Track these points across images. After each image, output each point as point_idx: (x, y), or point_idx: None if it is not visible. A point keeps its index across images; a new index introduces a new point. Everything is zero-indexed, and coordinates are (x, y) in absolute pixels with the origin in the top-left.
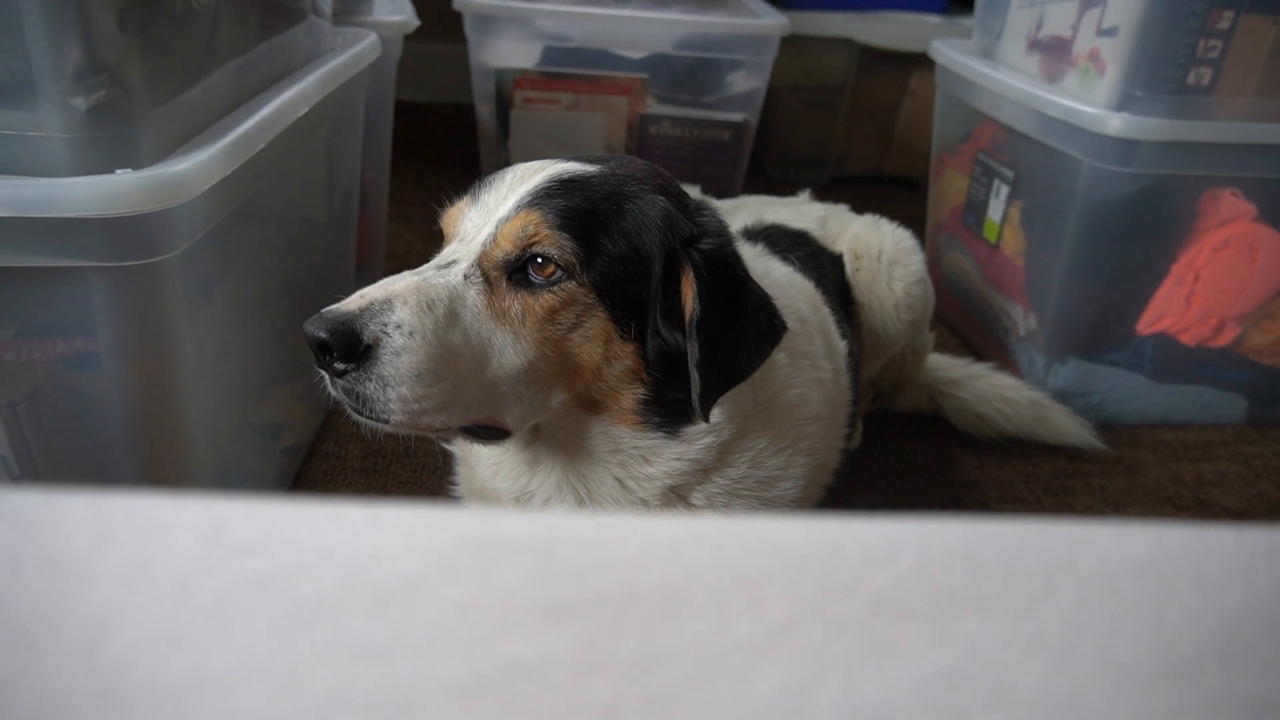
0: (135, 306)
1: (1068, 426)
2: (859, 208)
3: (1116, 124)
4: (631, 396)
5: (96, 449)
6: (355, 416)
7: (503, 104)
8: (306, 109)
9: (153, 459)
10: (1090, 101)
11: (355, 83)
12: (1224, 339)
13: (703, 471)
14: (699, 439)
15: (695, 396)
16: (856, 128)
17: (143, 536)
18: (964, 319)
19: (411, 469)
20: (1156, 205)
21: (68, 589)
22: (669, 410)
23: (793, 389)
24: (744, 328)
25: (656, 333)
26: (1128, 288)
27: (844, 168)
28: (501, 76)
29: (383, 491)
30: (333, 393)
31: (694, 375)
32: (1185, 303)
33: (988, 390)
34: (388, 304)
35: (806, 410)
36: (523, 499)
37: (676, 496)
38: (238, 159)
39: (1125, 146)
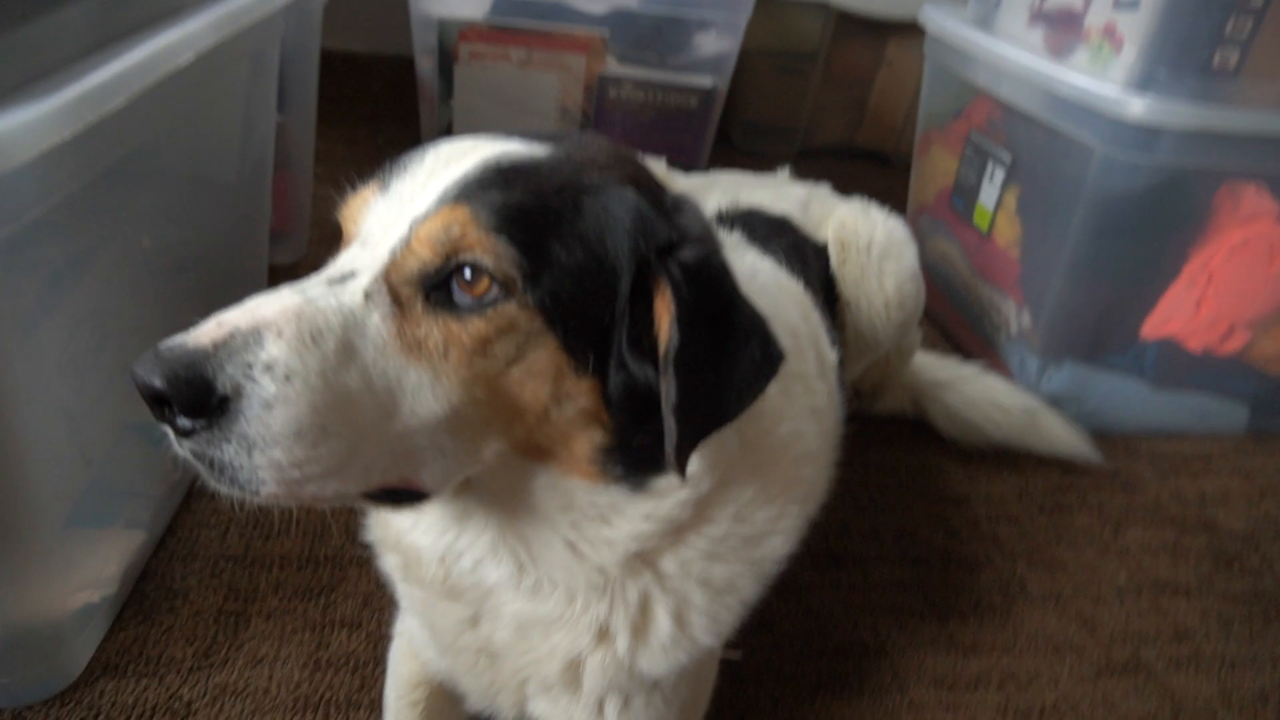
0: None
1: (1062, 436)
2: (829, 182)
3: (1139, 108)
4: (587, 443)
5: None
6: (213, 485)
7: (446, 58)
8: (192, 55)
9: None
10: (1105, 81)
11: (267, 26)
12: (1232, 345)
13: (675, 532)
14: (671, 493)
15: (670, 448)
16: (828, 97)
17: None
18: (947, 311)
19: None
20: (1173, 199)
21: None
22: (634, 459)
23: (785, 423)
24: (732, 360)
25: (621, 365)
26: (1134, 287)
27: (813, 139)
28: (445, 28)
29: (284, 521)
30: (179, 454)
31: (669, 421)
32: (1195, 306)
33: (977, 395)
34: (255, 336)
35: (800, 448)
36: (448, 559)
37: (643, 563)
38: (87, 115)
39: (1147, 134)
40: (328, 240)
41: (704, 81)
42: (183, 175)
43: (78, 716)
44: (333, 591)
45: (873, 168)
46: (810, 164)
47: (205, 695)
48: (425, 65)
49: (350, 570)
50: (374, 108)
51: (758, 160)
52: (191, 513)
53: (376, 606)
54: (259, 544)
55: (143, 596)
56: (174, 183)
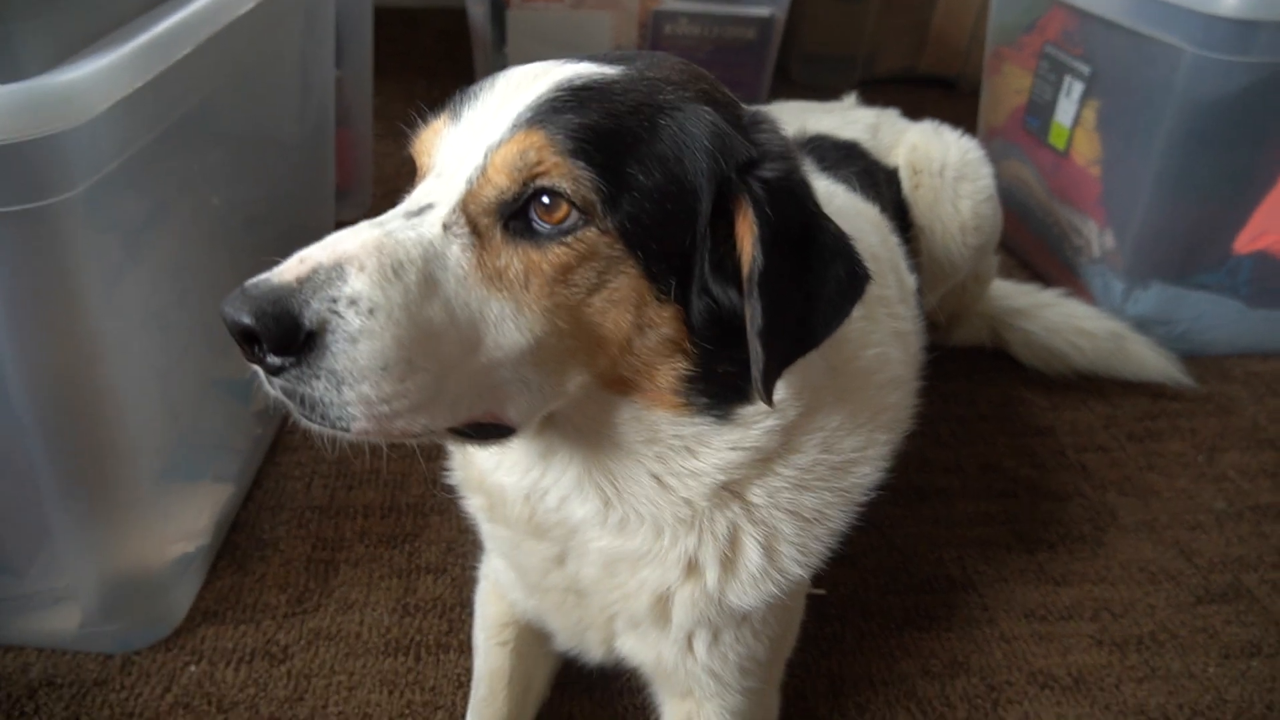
0: (26, 263)
1: (1151, 360)
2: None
3: (1232, 1)
4: (671, 372)
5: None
6: (304, 423)
7: (498, 5)
8: (251, 4)
9: (77, 448)
10: None
11: None
12: None
13: (763, 461)
14: (758, 422)
15: (756, 373)
16: (888, 22)
17: None
18: (1023, 236)
19: None
20: (1270, 100)
21: None
22: (719, 388)
23: (870, 348)
24: (818, 280)
25: (704, 290)
26: (1226, 200)
27: (874, 68)
28: None
29: (366, 471)
30: (270, 393)
31: (754, 346)
32: None
33: (1059, 321)
34: (337, 271)
35: (888, 374)
36: (534, 496)
37: (731, 494)
38: (154, 66)
39: (1242, 30)
40: (391, 196)
41: (762, 11)
42: (247, 135)
43: (182, 661)
44: (416, 539)
45: (939, 94)
46: (873, 93)
47: (300, 640)
48: (477, 13)
49: (432, 518)
50: (429, 61)
51: (818, 94)
52: (277, 465)
53: (460, 552)
54: (343, 494)
55: (235, 547)
56: (239, 142)
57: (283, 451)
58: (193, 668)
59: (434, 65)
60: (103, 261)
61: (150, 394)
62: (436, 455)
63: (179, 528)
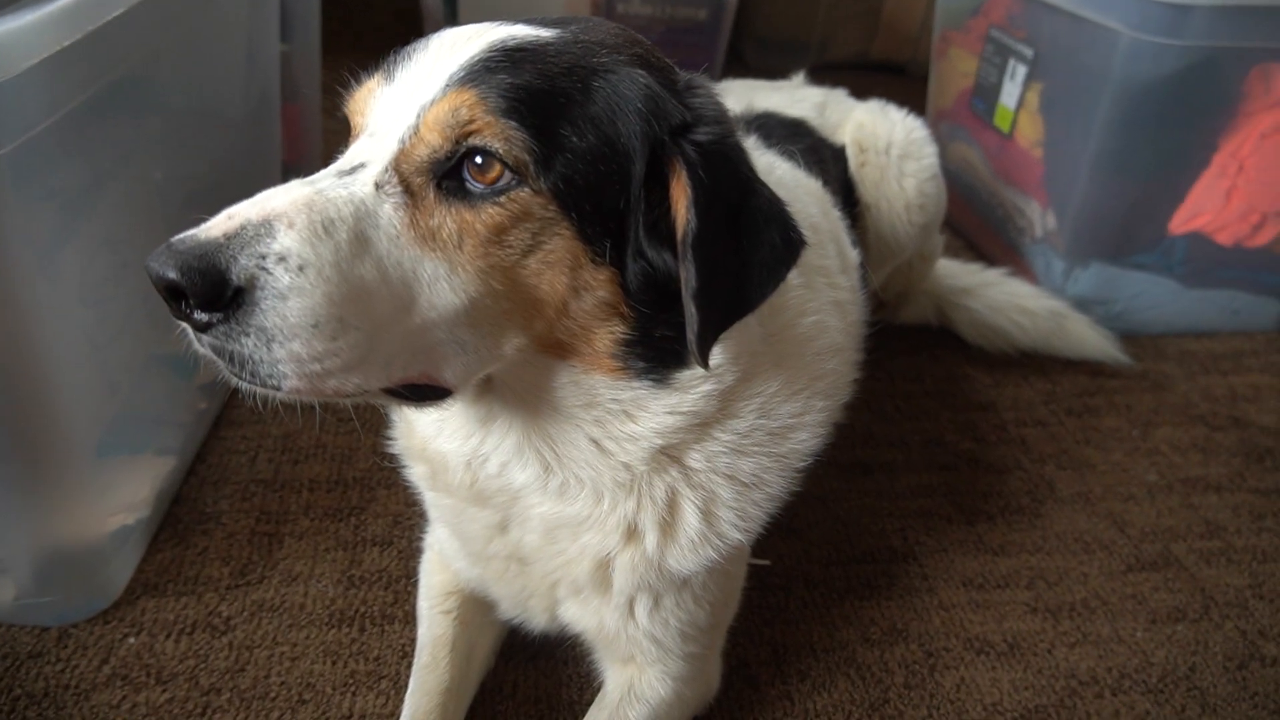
0: None
1: (1090, 339)
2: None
3: None
4: (608, 336)
5: None
6: (234, 381)
7: None
8: None
9: (8, 420)
10: None
11: None
12: (1263, 237)
13: (701, 426)
14: (695, 387)
15: (691, 336)
16: (840, 7)
17: None
18: (969, 218)
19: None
20: (1202, 84)
21: None
22: (656, 352)
23: (808, 316)
24: (752, 244)
25: (639, 254)
26: (1162, 181)
27: (827, 53)
28: None
29: (312, 446)
30: (199, 350)
31: (689, 308)
32: (1225, 197)
33: (1002, 300)
34: (266, 227)
35: (825, 341)
36: (475, 463)
37: (669, 459)
38: (83, 25)
39: (1176, 13)
40: None
41: None
42: (189, 106)
43: (120, 633)
44: (363, 512)
45: (889, 79)
46: (825, 78)
47: (243, 611)
48: None
49: (379, 491)
50: (381, 38)
51: (771, 77)
52: (221, 439)
53: (407, 525)
54: (288, 468)
55: (177, 520)
56: (181, 116)
57: (227, 426)
58: (131, 640)
59: (387, 42)
60: (35, 229)
61: (87, 366)
62: (381, 427)
63: (118, 500)
